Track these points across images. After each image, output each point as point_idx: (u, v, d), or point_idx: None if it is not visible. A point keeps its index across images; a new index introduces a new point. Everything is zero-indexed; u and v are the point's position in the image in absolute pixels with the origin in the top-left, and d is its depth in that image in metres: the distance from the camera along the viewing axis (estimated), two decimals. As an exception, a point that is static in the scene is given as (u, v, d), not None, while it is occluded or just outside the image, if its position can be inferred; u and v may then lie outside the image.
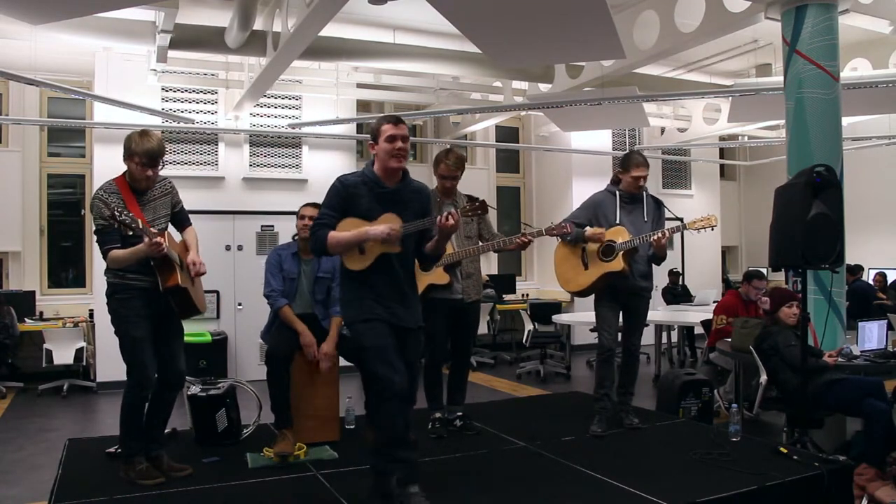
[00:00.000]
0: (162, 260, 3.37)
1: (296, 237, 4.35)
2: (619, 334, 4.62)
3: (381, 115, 3.25)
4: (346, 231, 3.12)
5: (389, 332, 3.11)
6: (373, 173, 3.20)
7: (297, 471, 3.68)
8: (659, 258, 4.40)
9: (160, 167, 3.49)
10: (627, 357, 4.58)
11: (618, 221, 4.39)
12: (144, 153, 3.38)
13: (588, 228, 4.40)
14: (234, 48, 6.46)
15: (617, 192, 4.48)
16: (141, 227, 3.25)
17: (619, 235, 4.33)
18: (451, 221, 3.07)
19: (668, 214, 4.64)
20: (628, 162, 4.45)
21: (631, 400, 4.59)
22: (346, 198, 3.16)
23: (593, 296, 4.51)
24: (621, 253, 4.28)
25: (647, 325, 4.61)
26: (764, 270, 7.74)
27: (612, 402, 4.47)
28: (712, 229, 4.30)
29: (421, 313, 3.34)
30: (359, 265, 3.14)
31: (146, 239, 3.24)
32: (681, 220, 4.46)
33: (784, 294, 4.86)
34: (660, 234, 4.23)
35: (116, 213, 3.16)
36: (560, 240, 4.51)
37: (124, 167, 3.50)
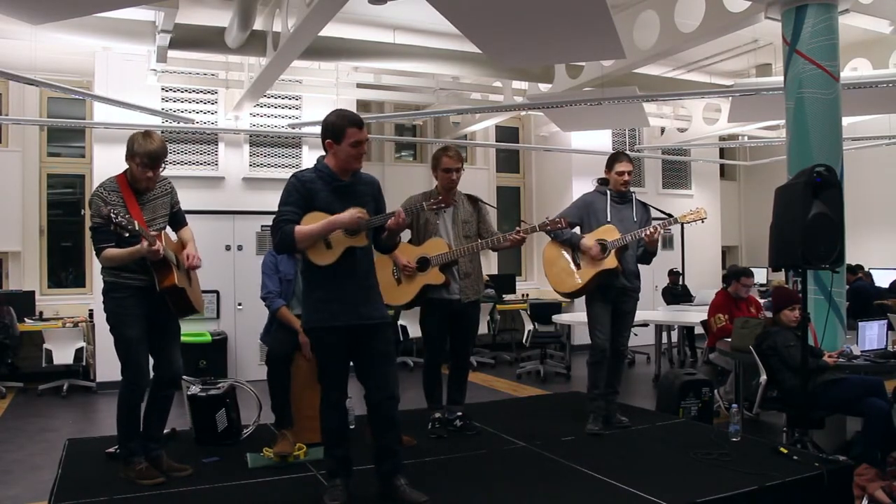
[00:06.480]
0: (159, 260, 3.37)
1: None
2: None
3: (337, 110, 3.23)
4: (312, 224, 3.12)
5: (345, 351, 3.19)
6: (327, 167, 3.22)
7: (296, 471, 3.68)
8: (649, 254, 4.48)
9: (161, 169, 3.50)
10: (615, 356, 4.59)
11: (609, 220, 4.47)
12: (146, 154, 3.39)
13: (584, 241, 4.42)
14: (234, 48, 6.46)
15: (608, 192, 4.58)
16: (138, 228, 3.25)
17: (610, 234, 4.41)
18: (400, 220, 3.20)
19: (657, 214, 4.71)
20: (613, 160, 4.64)
21: (617, 398, 4.61)
22: (304, 194, 3.16)
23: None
24: (613, 251, 4.36)
25: (646, 326, 4.62)
26: (764, 271, 7.74)
27: (605, 401, 4.52)
28: (702, 221, 4.41)
29: (384, 305, 3.37)
30: (326, 260, 3.13)
31: (144, 243, 3.26)
32: (670, 215, 4.52)
33: (787, 296, 4.85)
34: (651, 230, 4.31)
35: (112, 216, 3.16)
36: (552, 239, 4.54)
37: (123, 167, 3.51)
